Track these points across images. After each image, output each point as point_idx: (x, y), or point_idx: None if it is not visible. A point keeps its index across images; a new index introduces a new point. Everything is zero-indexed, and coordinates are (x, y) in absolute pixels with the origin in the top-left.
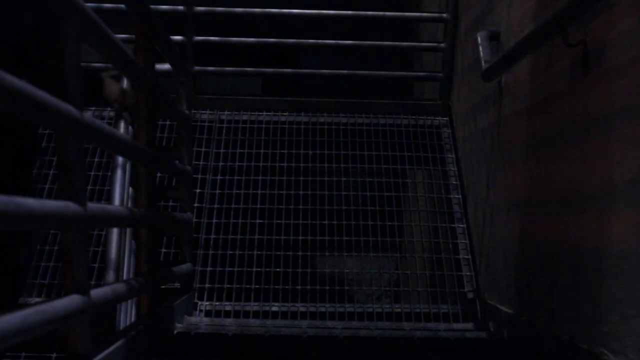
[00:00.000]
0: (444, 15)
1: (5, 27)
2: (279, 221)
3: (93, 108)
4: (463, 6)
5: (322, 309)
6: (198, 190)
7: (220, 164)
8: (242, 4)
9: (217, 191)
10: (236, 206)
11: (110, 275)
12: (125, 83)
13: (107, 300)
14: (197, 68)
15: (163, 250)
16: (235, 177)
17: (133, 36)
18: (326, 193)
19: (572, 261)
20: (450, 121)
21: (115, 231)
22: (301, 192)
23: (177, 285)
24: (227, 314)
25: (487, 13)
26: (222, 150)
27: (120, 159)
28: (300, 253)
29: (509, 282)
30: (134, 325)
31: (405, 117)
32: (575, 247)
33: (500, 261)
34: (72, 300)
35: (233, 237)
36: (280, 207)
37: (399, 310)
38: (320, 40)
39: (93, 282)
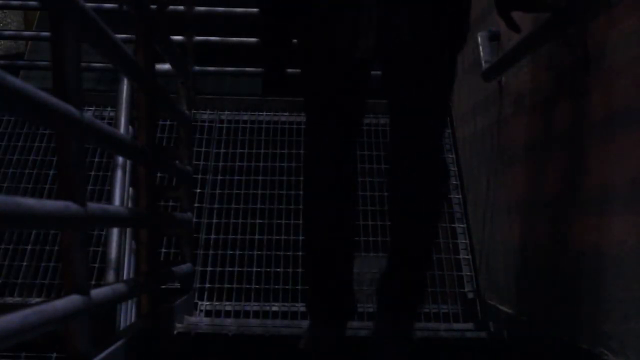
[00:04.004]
0: None
1: None
2: (279, 221)
3: (93, 108)
4: None
5: None
6: (198, 190)
7: (220, 164)
8: (242, 4)
9: (217, 191)
10: (236, 206)
11: (110, 275)
12: None
13: (107, 300)
14: (197, 68)
15: (163, 250)
16: (235, 177)
17: (133, 36)
18: None
19: (573, 261)
20: (450, 121)
21: (115, 231)
22: (301, 192)
23: (177, 285)
24: (227, 314)
25: (487, 13)
26: (222, 150)
27: (120, 159)
28: (300, 253)
29: (509, 282)
30: (134, 325)
31: None
32: (576, 247)
33: (500, 261)
34: (72, 300)
35: (233, 237)
36: (280, 207)
37: None
38: None
39: (93, 282)
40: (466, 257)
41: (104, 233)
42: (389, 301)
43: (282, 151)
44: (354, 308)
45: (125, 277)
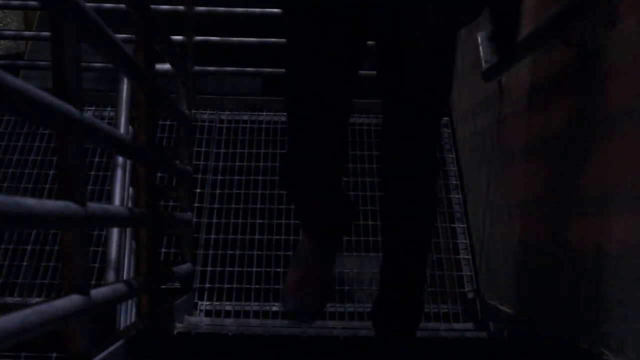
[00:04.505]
0: None
1: None
2: (279, 221)
3: (93, 108)
4: None
5: None
6: (198, 190)
7: (220, 164)
8: (242, 4)
9: (217, 191)
10: (236, 206)
11: (110, 275)
12: None
13: (107, 300)
14: (197, 68)
15: (163, 250)
16: (235, 177)
17: (133, 36)
18: None
19: (572, 261)
20: (451, 121)
21: (115, 231)
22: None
23: (177, 285)
24: (227, 314)
25: (487, 13)
26: (222, 150)
27: (120, 159)
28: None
29: (509, 282)
30: (134, 325)
31: None
32: (576, 247)
33: (501, 261)
34: (72, 300)
35: (233, 237)
36: (281, 207)
37: None
38: None
39: (93, 282)
40: (466, 257)
41: (104, 233)
42: (388, 329)
43: (282, 151)
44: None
45: (125, 277)
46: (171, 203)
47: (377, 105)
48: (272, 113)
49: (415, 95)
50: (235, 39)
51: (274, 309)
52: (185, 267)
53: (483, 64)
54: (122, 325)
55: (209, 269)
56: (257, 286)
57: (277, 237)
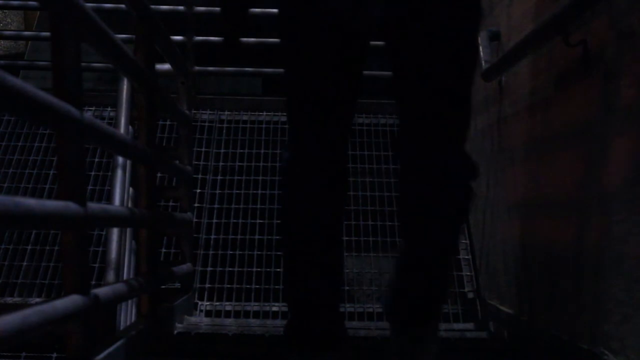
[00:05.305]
0: None
1: None
2: (278, 221)
3: (93, 108)
4: None
5: None
6: (198, 190)
7: (220, 164)
8: None
9: (217, 191)
10: (236, 206)
11: (110, 275)
12: None
13: (107, 300)
14: (197, 68)
15: (163, 250)
16: (235, 177)
17: (133, 36)
18: None
19: (573, 261)
20: None
21: (115, 231)
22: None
23: (177, 285)
24: (227, 314)
25: (487, 13)
26: (222, 150)
27: (120, 159)
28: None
29: (509, 282)
30: (134, 325)
31: None
32: (576, 247)
33: (500, 261)
34: (72, 300)
35: (233, 237)
36: (280, 207)
37: None
38: None
39: (93, 282)
40: (466, 257)
41: (104, 233)
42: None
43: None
44: (344, 333)
45: (125, 277)
46: (171, 203)
47: (377, 105)
48: (272, 113)
49: (440, 90)
50: None
51: (274, 309)
52: (185, 267)
53: (483, 64)
54: (122, 325)
55: (209, 269)
56: (257, 286)
57: (277, 237)
